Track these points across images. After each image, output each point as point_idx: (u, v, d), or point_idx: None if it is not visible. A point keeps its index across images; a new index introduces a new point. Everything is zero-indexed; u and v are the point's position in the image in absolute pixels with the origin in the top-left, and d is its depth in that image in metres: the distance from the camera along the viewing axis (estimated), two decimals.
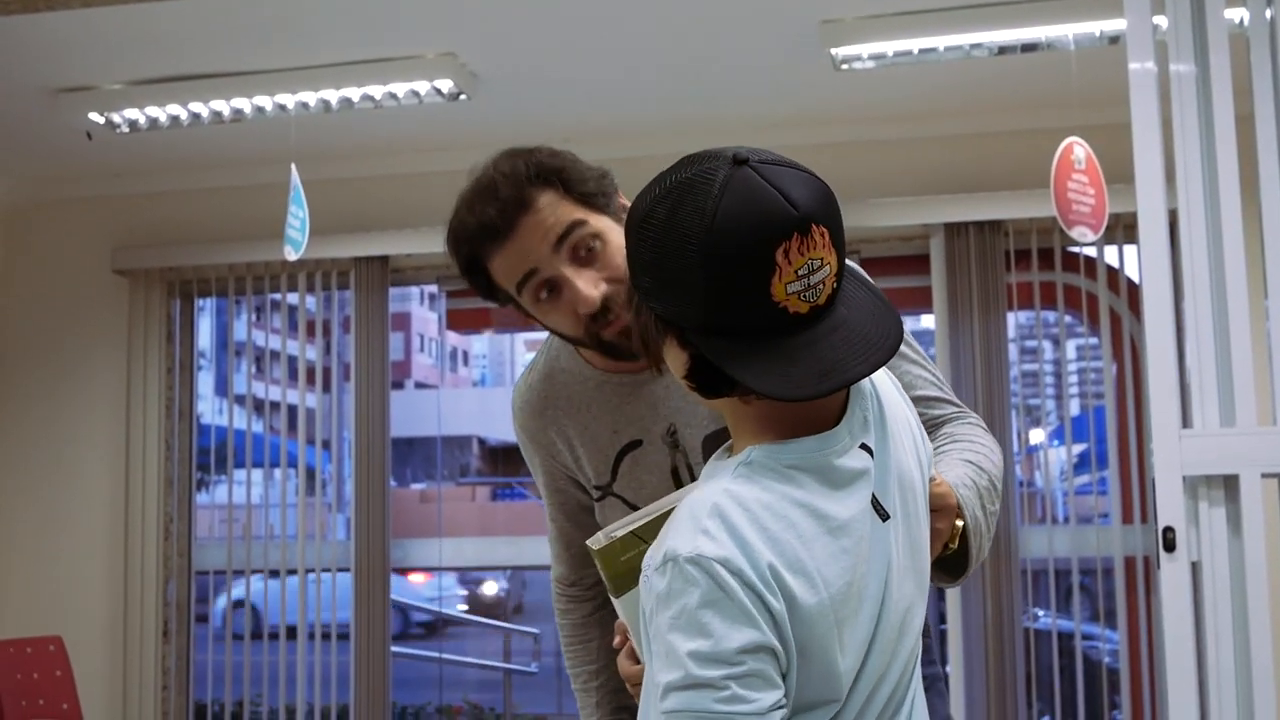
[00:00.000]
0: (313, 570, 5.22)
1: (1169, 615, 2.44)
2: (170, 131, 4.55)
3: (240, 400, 5.62)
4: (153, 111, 4.40)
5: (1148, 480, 4.59)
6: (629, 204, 1.55)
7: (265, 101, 4.33)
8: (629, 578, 1.42)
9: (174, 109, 4.38)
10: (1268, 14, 2.60)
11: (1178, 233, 2.54)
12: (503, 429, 22.46)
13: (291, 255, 4.10)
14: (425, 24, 3.95)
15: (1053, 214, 3.70)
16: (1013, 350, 4.79)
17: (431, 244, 5.04)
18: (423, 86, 4.22)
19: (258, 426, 5.75)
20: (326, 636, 5.19)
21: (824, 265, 1.18)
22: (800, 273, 1.17)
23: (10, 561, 5.42)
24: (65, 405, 5.44)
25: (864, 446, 1.26)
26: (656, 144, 5.05)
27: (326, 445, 5.43)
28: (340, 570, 5.21)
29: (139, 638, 5.20)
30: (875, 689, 1.25)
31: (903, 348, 1.61)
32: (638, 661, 1.46)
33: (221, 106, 4.38)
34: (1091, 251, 4.71)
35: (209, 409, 9.94)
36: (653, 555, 1.22)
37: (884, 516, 1.25)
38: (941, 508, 1.42)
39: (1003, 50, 3.98)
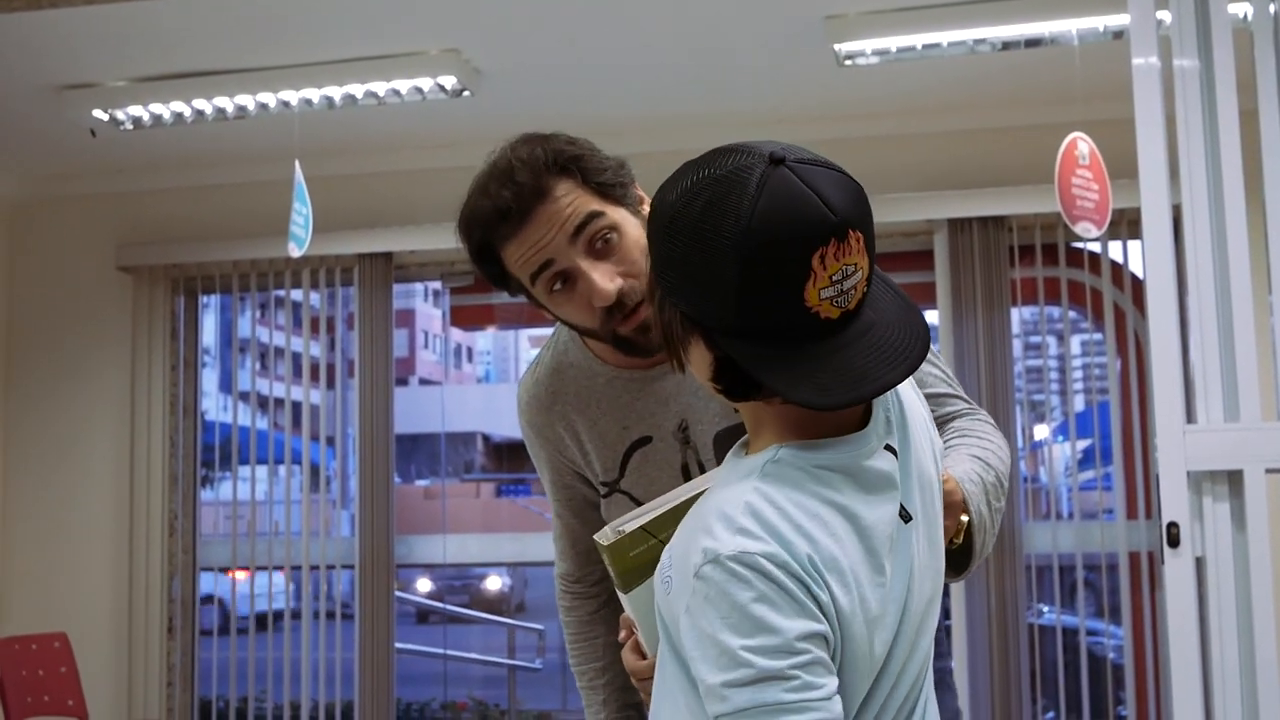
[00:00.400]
0: (317, 566, 5.22)
1: (1173, 610, 2.44)
2: (174, 128, 4.56)
3: (245, 397, 5.62)
4: (156, 108, 4.41)
5: (1152, 476, 4.59)
6: (645, 196, 1.58)
7: (269, 98, 4.34)
8: (637, 573, 1.40)
9: (178, 106, 4.39)
10: (1271, 9, 2.60)
11: (1181, 228, 2.54)
12: (507, 425, 22.47)
13: (295, 252, 4.11)
14: (429, 20, 3.96)
15: (1056, 209, 3.70)
16: (1017, 346, 4.79)
17: (435, 241, 5.05)
18: (426, 83, 4.22)
19: (262, 423, 5.76)
20: (330, 632, 5.20)
21: (857, 270, 1.16)
22: (835, 278, 1.14)
23: (16, 558, 5.43)
24: (70, 402, 5.45)
25: (889, 448, 1.25)
26: (660, 140, 5.05)
27: (331, 442, 5.43)
28: (345, 567, 5.22)
29: (144, 634, 5.21)
30: (895, 687, 1.24)
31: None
32: (644, 656, 1.45)
33: (225, 103, 4.38)
34: (1096, 247, 4.70)
35: (213, 406, 9.95)
36: (679, 558, 1.20)
37: (907, 519, 1.24)
38: (948, 504, 1.41)
39: (1006, 45, 3.98)
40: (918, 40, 3.96)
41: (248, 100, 4.36)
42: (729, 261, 1.14)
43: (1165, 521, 2.43)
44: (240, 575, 5.44)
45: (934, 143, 4.81)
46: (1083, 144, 3.65)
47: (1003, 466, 1.60)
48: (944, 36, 3.93)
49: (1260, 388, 2.48)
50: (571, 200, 1.57)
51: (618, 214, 1.58)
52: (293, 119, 4.38)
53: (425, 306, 23.32)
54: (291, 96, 4.31)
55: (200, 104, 4.38)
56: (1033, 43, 3.95)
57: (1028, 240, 4.72)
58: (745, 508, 1.16)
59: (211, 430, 6.09)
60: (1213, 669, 2.44)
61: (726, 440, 1.64)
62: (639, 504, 1.70)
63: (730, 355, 1.18)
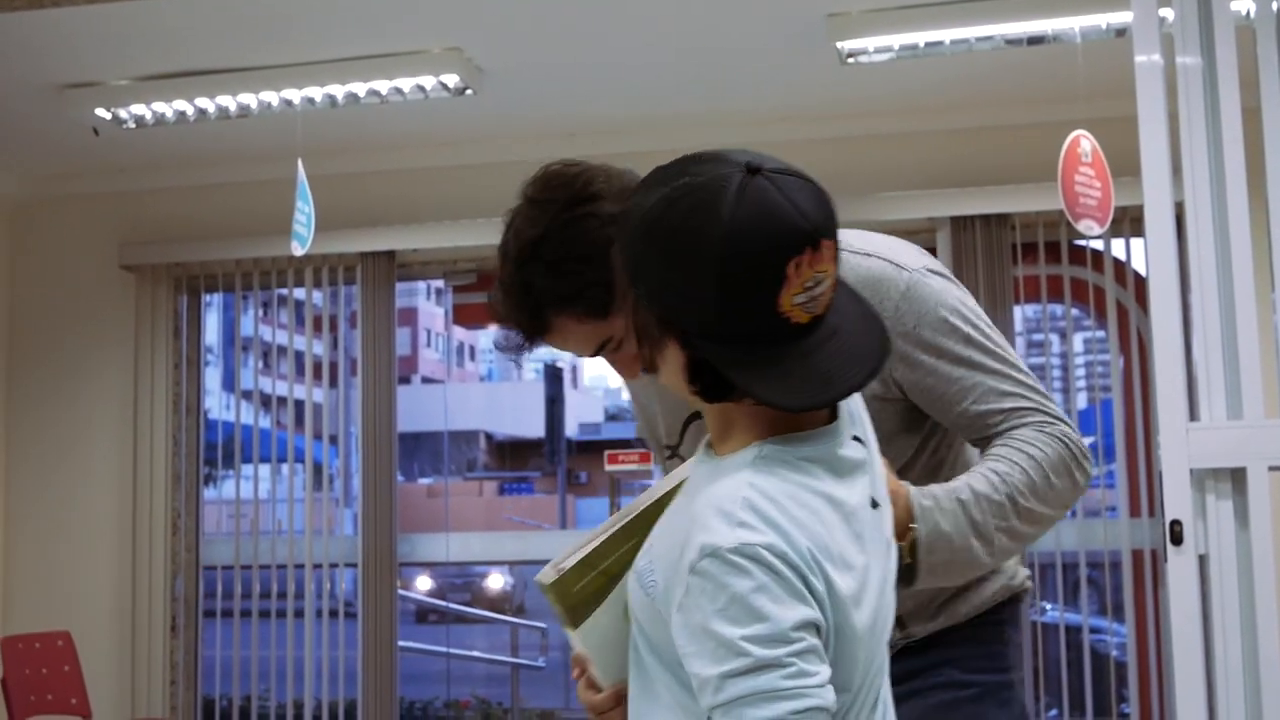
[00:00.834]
0: (320, 565, 5.23)
1: (1176, 608, 2.44)
2: (176, 127, 4.56)
3: (247, 395, 5.63)
4: (159, 107, 4.41)
5: (1155, 473, 4.59)
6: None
7: (271, 97, 4.34)
8: (583, 607, 1.39)
9: (180, 105, 4.39)
10: (1274, 6, 2.59)
11: (1184, 225, 2.53)
12: (509, 424, 22.49)
13: (298, 251, 4.11)
14: (431, 19, 3.96)
15: (1059, 207, 3.70)
16: (1020, 344, 4.79)
17: (438, 239, 5.06)
18: (428, 81, 4.22)
19: (265, 422, 5.76)
20: (333, 630, 5.20)
21: (826, 278, 1.21)
22: (807, 285, 1.19)
23: (19, 557, 5.44)
24: (73, 401, 5.45)
25: (856, 439, 1.30)
26: (662, 139, 5.05)
27: (334, 440, 5.44)
28: (348, 565, 5.22)
29: (147, 633, 5.21)
30: (871, 676, 1.28)
31: (947, 366, 1.62)
32: (599, 690, 1.44)
33: (228, 102, 4.38)
34: (1098, 244, 4.70)
35: (216, 404, 9.95)
36: (666, 559, 1.22)
37: (875, 506, 1.29)
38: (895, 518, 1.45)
39: (1009, 43, 3.98)
40: (920, 38, 3.96)
41: (250, 99, 4.36)
42: (709, 268, 1.18)
43: (1168, 519, 2.43)
44: None
45: (936, 140, 4.81)
46: (1085, 141, 3.65)
47: (1025, 480, 1.58)
48: (946, 34, 3.93)
49: (1263, 385, 2.47)
50: (574, 335, 1.58)
51: (617, 324, 1.55)
52: (295, 118, 4.38)
53: (428, 305, 23.33)
54: (294, 95, 4.31)
55: (203, 103, 4.38)
56: (1035, 40, 3.95)
57: (1030, 238, 4.72)
58: (743, 502, 1.19)
59: (214, 429, 6.10)
60: (1216, 666, 2.44)
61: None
62: None
63: (706, 358, 1.22)
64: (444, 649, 8.31)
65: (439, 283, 5.55)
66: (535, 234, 1.54)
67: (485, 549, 6.64)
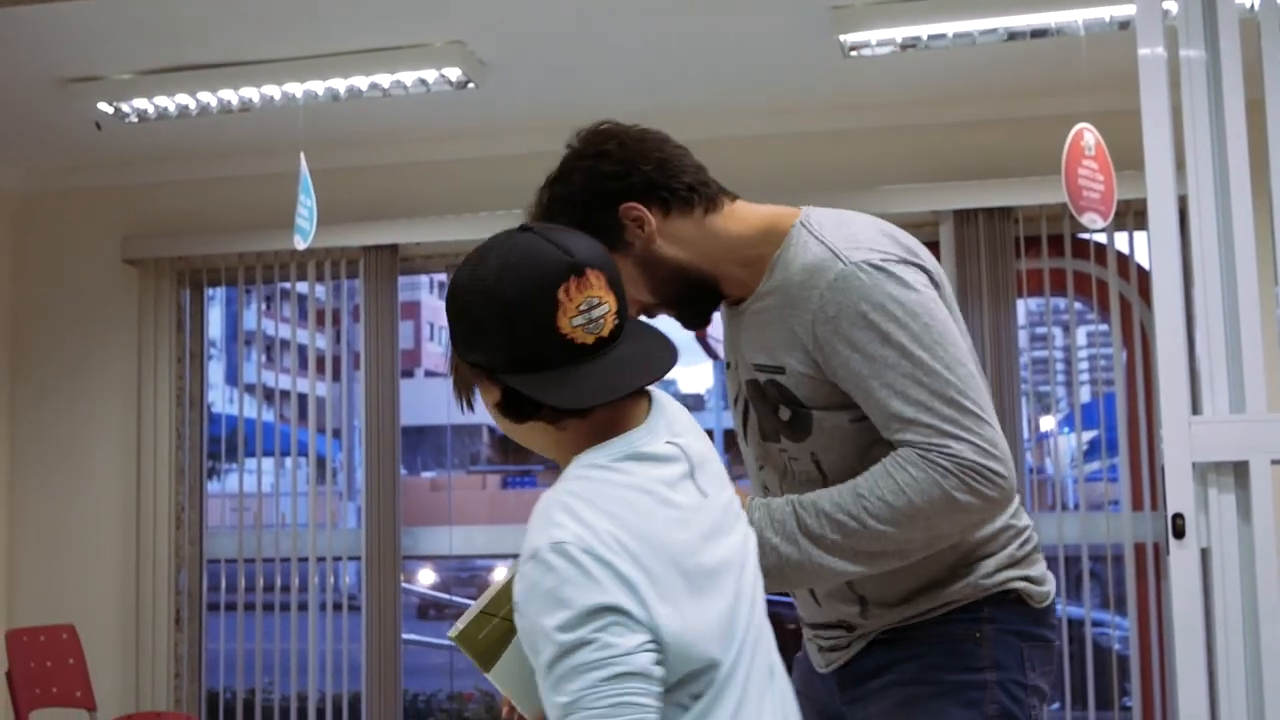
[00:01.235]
0: (324, 558, 5.24)
1: (1179, 602, 2.44)
2: (179, 121, 4.56)
3: (251, 389, 5.63)
4: (161, 101, 4.41)
5: (1158, 467, 4.59)
6: (640, 208, 1.81)
7: (274, 91, 4.34)
8: (491, 651, 1.56)
9: (183, 98, 4.39)
10: None
11: (1188, 219, 2.53)
12: None
13: (300, 244, 4.11)
14: (433, 11, 3.95)
15: (1062, 200, 3.70)
16: (1023, 337, 4.79)
17: (440, 233, 5.05)
18: (430, 75, 4.22)
19: (268, 415, 5.77)
20: (337, 623, 5.21)
21: (602, 303, 1.42)
22: (581, 308, 1.40)
23: (23, 550, 5.45)
24: (77, 395, 5.46)
25: (670, 443, 1.46)
26: (666, 132, 5.06)
27: (337, 434, 5.44)
28: (351, 558, 5.23)
29: (151, 626, 5.22)
30: (747, 646, 1.43)
31: (857, 363, 1.70)
32: None
33: (230, 96, 4.38)
34: (1102, 238, 4.69)
35: (219, 398, 9.95)
36: (517, 579, 1.38)
37: (704, 495, 1.46)
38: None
39: (1012, 36, 3.97)
40: (923, 31, 3.95)
41: (252, 93, 4.36)
42: (495, 309, 1.41)
43: (1170, 513, 2.43)
44: None
45: (939, 134, 4.80)
46: (1089, 135, 3.64)
47: (883, 511, 1.66)
48: (950, 27, 3.92)
49: (1266, 379, 2.47)
50: None
51: None
52: (297, 111, 4.38)
53: (431, 299, 23.31)
54: (296, 89, 4.31)
55: (205, 97, 4.38)
56: (1038, 33, 3.94)
57: (1034, 231, 4.72)
58: (560, 505, 1.37)
59: (218, 422, 6.10)
60: (1218, 660, 2.44)
61: (755, 396, 1.86)
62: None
63: (511, 385, 1.43)
64: (447, 642, 8.31)
65: (442, 276, 5.55)
66: (553, 174, 1.85)
67: (488, 542, 6.62)
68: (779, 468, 1.89)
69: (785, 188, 4.85)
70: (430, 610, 11.69)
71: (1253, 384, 2.46)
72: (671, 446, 1.46)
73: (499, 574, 1.67)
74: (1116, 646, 4.83)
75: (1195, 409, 2.49)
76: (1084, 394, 5.17)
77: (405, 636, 5.24)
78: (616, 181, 1.81)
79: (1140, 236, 4.68)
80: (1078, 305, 4.98)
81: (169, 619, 5.24)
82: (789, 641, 1.68)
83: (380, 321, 5.16)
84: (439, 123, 4.88)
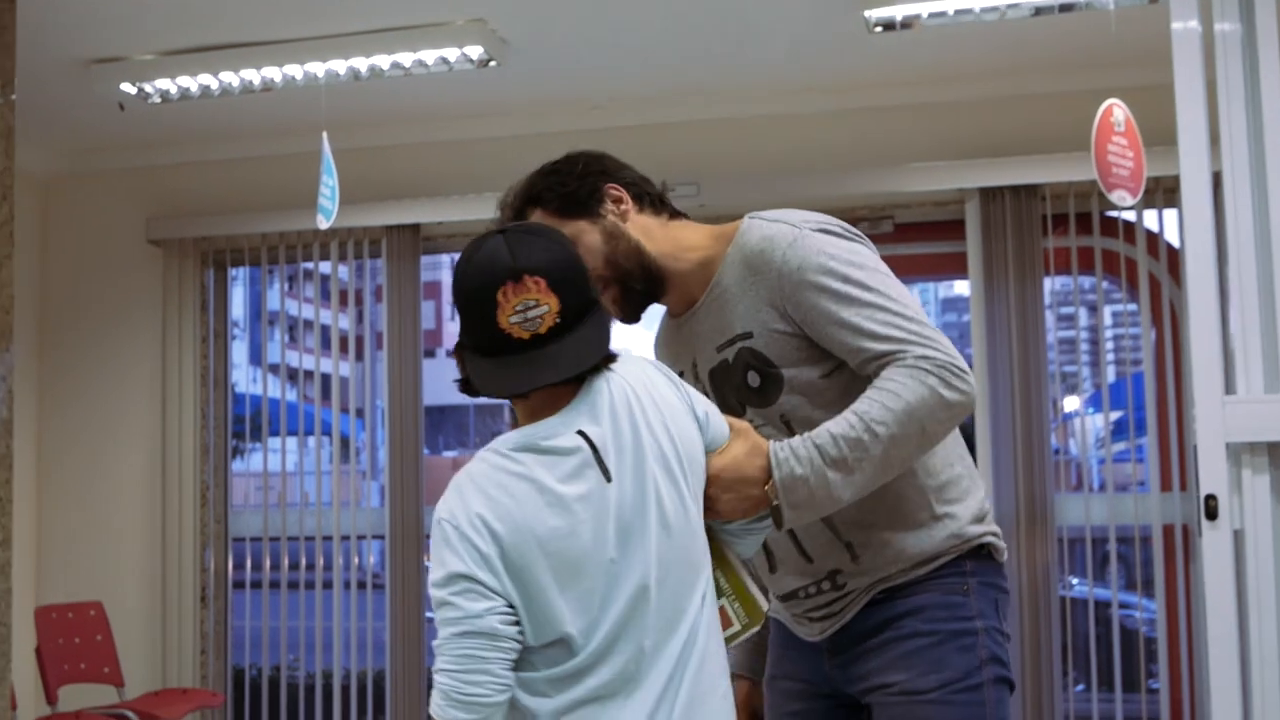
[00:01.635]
0: (348, 537, 5.25)
1: (1211, 584, 2.41)
2: (202, 101, 4.56)
3: (274, 369, 5.64)
4: (184, 82, 4.40)
5: (1187, 448, 4.54)
6: (621, 192, 2.03)
7: (296, 70, 4.33)
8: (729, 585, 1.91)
9: (205, 79, 4.38)
10: None
11: (1220, 195, 2.49)
12: None
13: (323, 224, 4.10)
14: None
15: (1090, 177, 3.65)
16: (1049, 316, 4.74)
17: (463, 212, 5.04)
18: (452, 53, 4.20)
19: (292, 395, 5.78)
20: (361, 602, 5.23)
21: (540, 304, 1.65)
22: (518, 309, 1.65)
23: (52, 528, 5.49)
24: (102, 375, 5.48)
25: (580, 433, 1.67)
26: (687, 109, 5.02)
27: (360, 413, 5.45)
28: (375, 537, 5.25)
29: (177, 603, 5.25)
30: (645, 617, 1.64)
31: (826, 302, 1.90)
32: None
33: (252, 76, 4.37)
34: (1130, 216, 4.64)
35: (243, 378, 9.99)
36: None
37: (609, 479, 1.66)
38: (750, 475, 1.79)
39: (1039, 10, 3.92)
40: (949, 5, 3.90)
41: (274, 73, 4.35)
42: (459, 302, 1.70)
43: (1203, 494, 2.41)
44: None
45: (966, 110, 4.75)
46: (1118, 110, 3.59)
47: (882, 412, 1.81)
48: (976, 2, 3.88)
49: None
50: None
51: (573, 227, 1.99)
52: (319, 91, 4.37)
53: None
54: (318, 68, 4.30)
55: (227, 77, 4.38)
56: (1066, 7, 3.89)
57: (1061, 209, 4.67)
58: (454, 483, 1.68)
59: (242, 402, 6.12)
60: (1250, 641, 2.42)
61: (719, 377, 2.03)
62: None
63: (464, 365, 1.73)
64: None
65: None
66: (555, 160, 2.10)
67: None
68: None
69: (809, 166, 4.82)
70: None
71: None
72: (577, 438, 1.67)
73: None
74: (1143, 629, 4.80)
75: (1229, 388, 2.46)
76: (1110, 374, 5.12)
77: (428, 614, 5.25)
78: (606, 166, 2.06)
79: (1169, 214, 4.62)
80: (1105, 284, 4.93)
81: (195, 597, 5.27)
82: None
83: (402, 301, 5.15)
84: (461, 101, 4.86)
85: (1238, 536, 2.43)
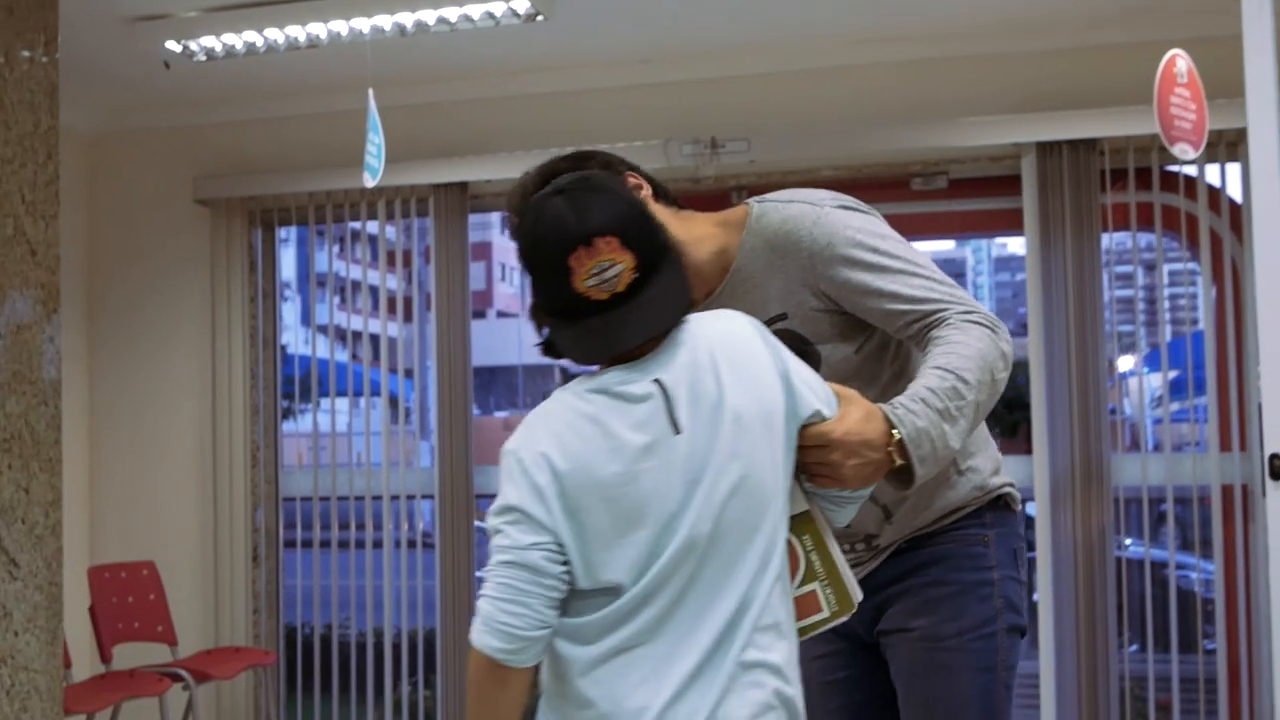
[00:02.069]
0: (398, 496, 5.27)
1: (1275, 543, 2.36)
2: (247, 59, 4.54)
3: (324, 330, 5.66)
4: (229, 39, 4.39)
5: (1248, 408, 4.45)
6: (639, 178, 2.07)
7: (340, 26, 4.30)
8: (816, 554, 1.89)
9: (250, 35, 4.37)
10: None
11: None
12: None
13: (370, 182, 4.08)
14: None
15: (1150, 131, 3.55)
16: (1105, 274, 4.65)
17: (511, 169, 4.97)
18: (498, 7, 4.15)
19: (342, 356, 5.79)
20: (412, 560, 5.26)
21: (616, 264, 1.65)
22: (593, 271, 1.65)
23: (106, 489, 5.55)
24: (152, 336, 5.52)
25: (656, 381, 1.67)
26: (736, 64, 4.95)
27: (410, 374, 5.46)
28: (425, 497, 5.26)
29: (229, 563, 5.31)
30: (657, 593, 1.63)
31: (861, 274, 1.97)
32: None
33: (297, 32, 4.35)
34: (1191, 170, 4.53)
35: (294, 339, 10.07)
36: None
37: (678, 431, 1.65)
38: (870, 438, 1.76)
39: None
40: None
41: (320, 29, 4.32)
42: (531, 271, 1.71)
43: (1268, 453, 2.35)
44: None
45: (1022, 62, 4.65)
46: (1181, 61, 3.48)
47: (968, 363, 1.85)
48: None
49: None
50: None
51: None
52: (365, 47, 4.34)
53: (502, 239, 23.37)
54: (363, 24, 4.27)
55: (272, 34, 4.36)
56: None
57: (1120, 164, 4.56)
58: (527, 419, 1.72)
59: (292, 363, 6.15)
60: None
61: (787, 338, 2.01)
62: None
63: (549, 326, 1.73)
64: None
65: None
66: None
67: None
68: None
69: (866, 119, 4.74)
70: None
71: None
72: (652, 386, 1.67)
73: None
74: (1199, 590, 4.73)
75: None
76: (1168, 332, 5.02)
77: (478, 573, 5.27)
78: (617, 159, 2.12)
79: (1231, 168, 4.50)
80: (1165, 240, 4.82)
81: (246, 556, 5.31)
82: None
83: (451, 261, 5.14)
84: (507, 57, 4.81)
85: None
